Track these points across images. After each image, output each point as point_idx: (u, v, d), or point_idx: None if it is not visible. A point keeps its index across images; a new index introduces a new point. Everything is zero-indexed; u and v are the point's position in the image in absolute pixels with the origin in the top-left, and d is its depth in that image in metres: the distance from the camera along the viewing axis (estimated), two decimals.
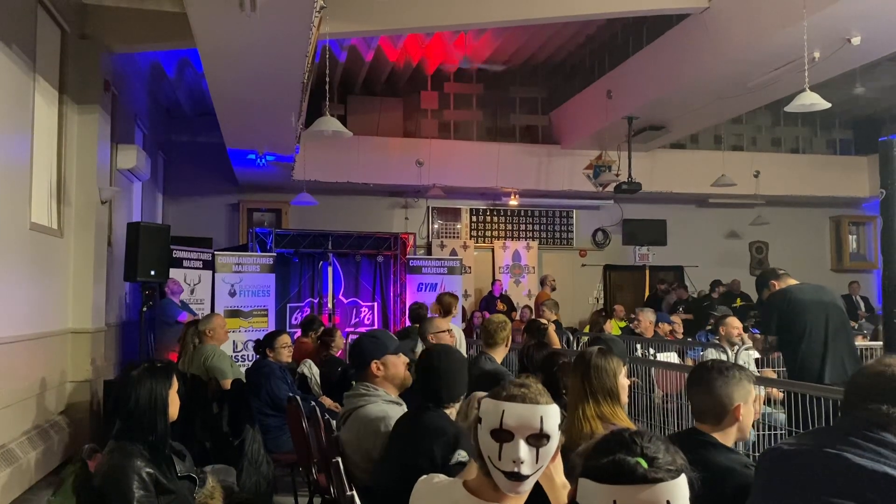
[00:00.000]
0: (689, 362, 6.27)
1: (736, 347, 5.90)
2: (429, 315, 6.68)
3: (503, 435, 1.65)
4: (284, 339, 5.48)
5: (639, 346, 6.88)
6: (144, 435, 2.62)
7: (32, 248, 5.48)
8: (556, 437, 1.68)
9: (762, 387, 3.88)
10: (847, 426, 1.87)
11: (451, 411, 2.73)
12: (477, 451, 1.72)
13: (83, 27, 6.57)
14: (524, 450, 1.63)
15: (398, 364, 3.07)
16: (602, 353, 2.78)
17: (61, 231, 6.23)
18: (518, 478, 1.63)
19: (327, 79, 6.84)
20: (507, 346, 4.63)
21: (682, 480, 1.25)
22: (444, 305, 6.80)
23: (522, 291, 13.09)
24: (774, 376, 5.16)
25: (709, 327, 8.87)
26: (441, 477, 1.90)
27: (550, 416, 1.68)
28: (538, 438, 1.65)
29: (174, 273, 8.10)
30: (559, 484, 1.78)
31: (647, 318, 7.53)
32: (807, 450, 1.88)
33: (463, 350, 6.13)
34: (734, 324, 6.23)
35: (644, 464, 1.23)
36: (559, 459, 1.79)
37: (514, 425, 1.65)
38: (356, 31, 7.88)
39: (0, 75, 4.88)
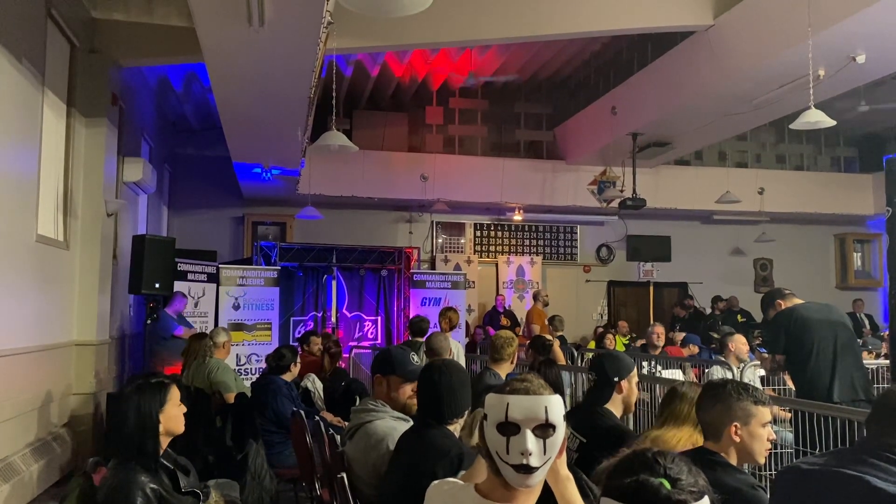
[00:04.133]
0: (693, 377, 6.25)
1: (742, 365, 5.87)
2: (435, 329, 6.73)
3: (509, 428, 1.66)
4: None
5: (645, 363, 6.86)
6: (133, 455, 2.56)
7: (38, 259, 5.49)
8: (561, 428, 1.68)
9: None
10: (869, 447, 1.85)
11: (455, 427, 2.70)
12: (485, 449, 1.72)
13: (92, 41, 6.62)
14: (531, 441, 1.64)
15: (405, 390, 2.98)
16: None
17: (67, 243, 6.24)
18: (527, 470, 1.63)
19: (333, 93, 6.86)
20: (512, 362, 4.64)
21: (705, 503, 1.24)
22: (452, 320, 6.97)
23: (526, 306, 13.04)
24: (774, 395, 5.12)
25: (713, 345, 8.84)
26: (452, 481, 1.90)
27: (555, 405, 1.68)
28: (544, 429, 1.66)
29: (178, 286, 8.09)
30: (563, 476, 1.78)
31: (663, 334, 7.62)
32: (825, 470, 1.86)
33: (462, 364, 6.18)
34: (739, 340, 6.20)
35: (667, 485, 1.22)
36: (563, 453, 1.78)
37: (519, 417, 1.66)
38: (363, 46, 7.92)
39: (9, 88, 4.92)
